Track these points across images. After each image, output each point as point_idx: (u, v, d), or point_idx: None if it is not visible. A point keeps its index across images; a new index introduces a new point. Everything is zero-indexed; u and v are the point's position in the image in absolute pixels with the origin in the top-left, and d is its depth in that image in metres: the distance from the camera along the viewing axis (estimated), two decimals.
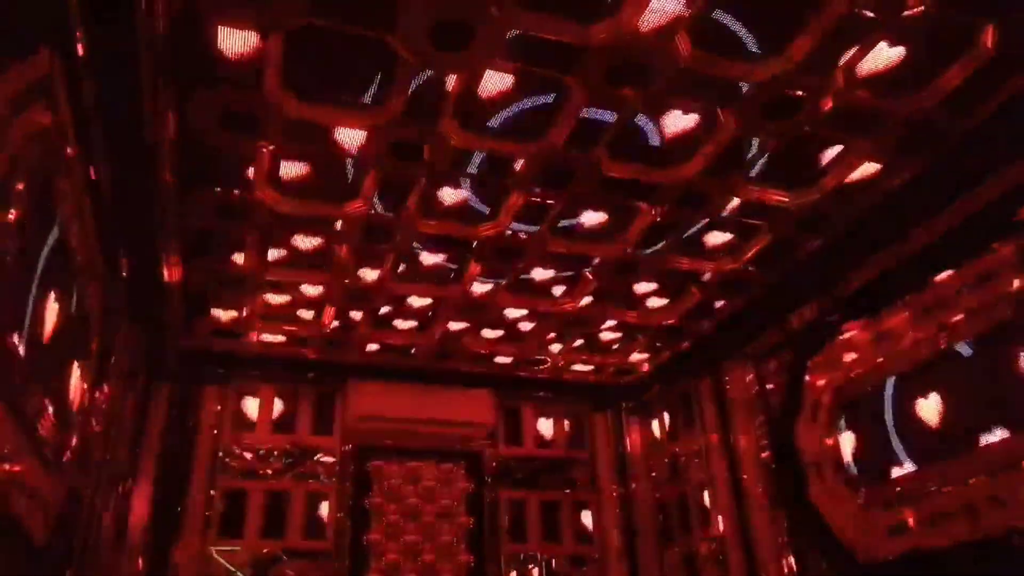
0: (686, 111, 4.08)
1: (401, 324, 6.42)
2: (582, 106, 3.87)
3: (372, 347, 6.71)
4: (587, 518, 7.43)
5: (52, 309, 3.37)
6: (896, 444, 4.85)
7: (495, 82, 3.82)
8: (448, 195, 4.73)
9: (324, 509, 6.67)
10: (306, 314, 6.14)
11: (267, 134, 3.97)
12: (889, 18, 3.41)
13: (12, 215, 2.71)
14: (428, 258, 5.42)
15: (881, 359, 4.96)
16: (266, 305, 5.92)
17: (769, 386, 6.09)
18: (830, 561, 5.27)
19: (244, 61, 3.58)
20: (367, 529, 6.56)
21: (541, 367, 7.25)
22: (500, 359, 7.08)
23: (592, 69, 3.59)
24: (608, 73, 3.62)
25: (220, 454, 6.52)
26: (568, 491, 7.52)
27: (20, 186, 2.77)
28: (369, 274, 5.50)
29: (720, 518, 6.36)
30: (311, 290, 5.72)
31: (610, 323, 6.45)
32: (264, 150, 4.12)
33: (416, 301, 6.00)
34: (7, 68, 2.54)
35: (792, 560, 5.62)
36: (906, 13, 3.37)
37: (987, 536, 4.16)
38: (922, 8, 3.35)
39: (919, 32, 3.56)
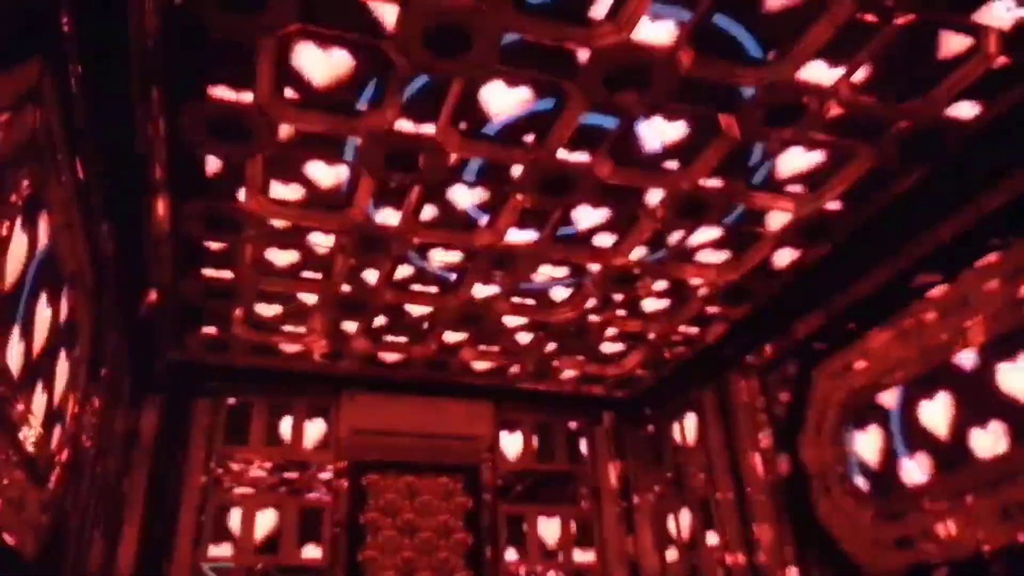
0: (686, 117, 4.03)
1: (397, 335, 6.34)
2: (581, 112, 3.82)
3: (367, 359, 6.61)
4: (588, 532, 7.32)
5: (41, 321, 3.30)
6: (903, 456, 4.78)
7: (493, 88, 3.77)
8: (445, 202, 4.67)
9: (318, 524, 6.54)
10: (300, 326, 6.05)
11: (259, 144, 3.91)
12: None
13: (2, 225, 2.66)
14: (424, 267, 5.35)
15: (887, 369, 4.90)
16: (259, 316, 5.84)
17: (774, 397, 6.02)
18: (836, 574, 5.19)
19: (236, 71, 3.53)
20: (362, 545, 6.44)
21: (541, 379, 7.16)
22: (499, 371, 6.99)
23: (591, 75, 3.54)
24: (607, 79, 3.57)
25: (212, 468, 6.42)
26: (568, 505, 7.42)
27: (9, 196, 2.72)
28: (364, 284, 5.41)
29: (724, 530, 6.27)
30: (305, 301, 5.63)
31: (611, 333, 6.37)
32: (255, 159, 4.07)
33: (413, 311, 5.91)
34: None
35: (797, 573, 5.54)
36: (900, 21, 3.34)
37: (993, 549, 4.08)
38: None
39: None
